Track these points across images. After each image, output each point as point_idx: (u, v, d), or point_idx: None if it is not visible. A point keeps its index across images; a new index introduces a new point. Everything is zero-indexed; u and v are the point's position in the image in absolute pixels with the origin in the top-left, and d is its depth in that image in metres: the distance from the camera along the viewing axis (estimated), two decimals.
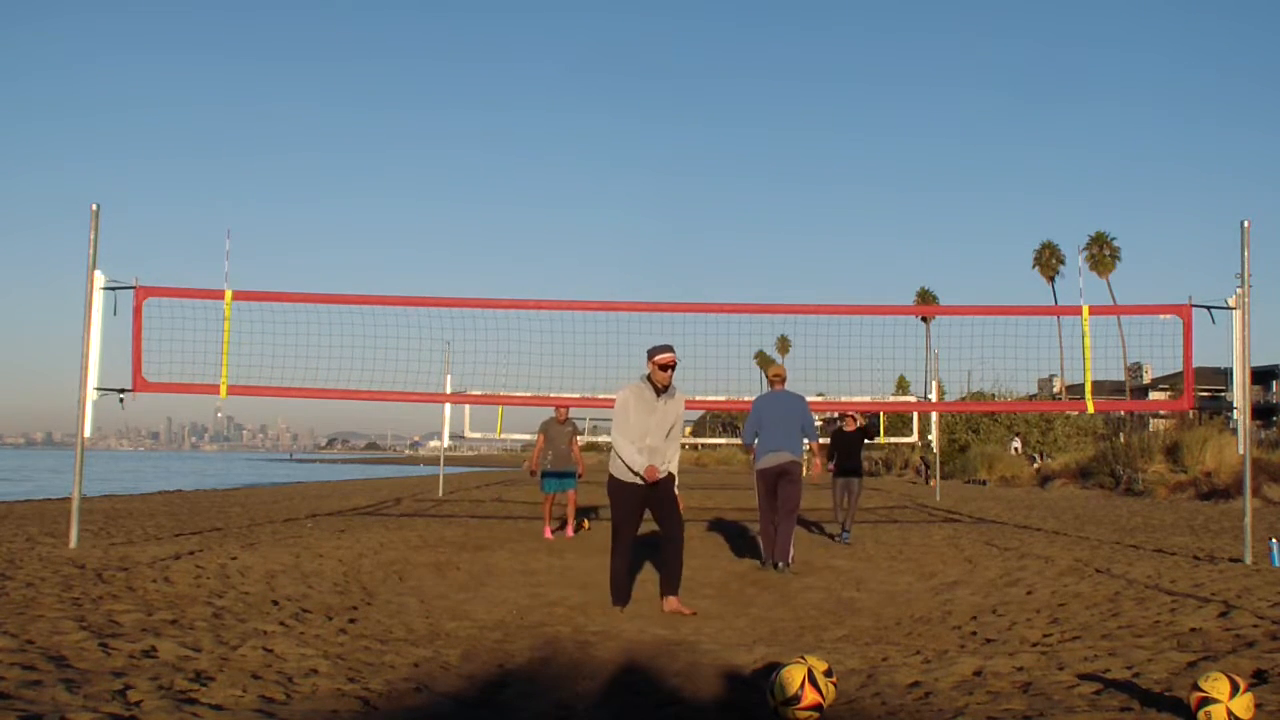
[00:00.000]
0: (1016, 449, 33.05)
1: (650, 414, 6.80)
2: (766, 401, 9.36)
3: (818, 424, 12.67)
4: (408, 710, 4.02)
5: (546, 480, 12.27)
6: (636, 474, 6.84)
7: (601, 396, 11.24)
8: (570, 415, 12.57)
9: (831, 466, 12.57)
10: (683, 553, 6.98)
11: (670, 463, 6.96)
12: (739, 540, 12.05)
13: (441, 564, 9.14)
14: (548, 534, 12.02)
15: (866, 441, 13.75)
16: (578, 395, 12.21)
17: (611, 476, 7.00)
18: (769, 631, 6.19)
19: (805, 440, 9.29)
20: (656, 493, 6.92)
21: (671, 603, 6.85)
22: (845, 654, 5.16)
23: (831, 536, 12.44)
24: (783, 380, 9.54)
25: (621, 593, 7.03)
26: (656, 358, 6.82)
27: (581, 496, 13.63)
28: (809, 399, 10.03)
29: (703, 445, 79.80)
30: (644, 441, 6.81)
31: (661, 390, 6.82)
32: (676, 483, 7.18)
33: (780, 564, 8.97)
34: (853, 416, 12.66)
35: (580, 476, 12.53)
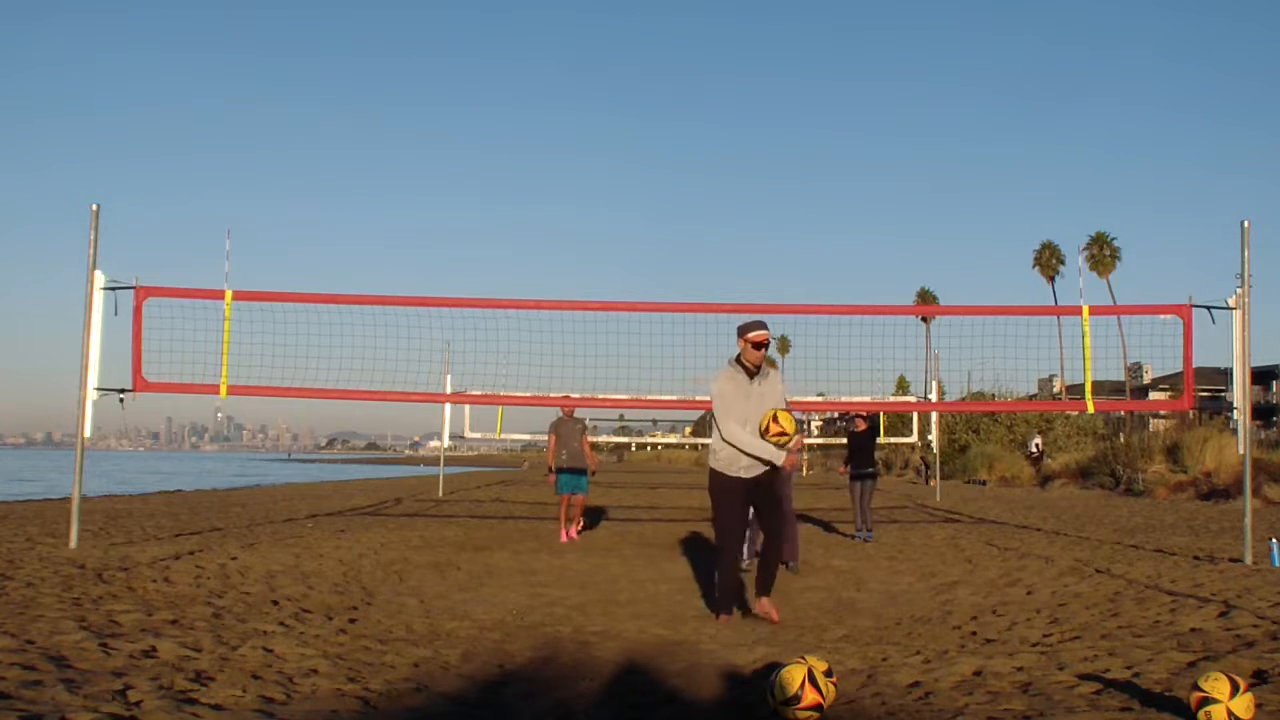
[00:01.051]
0: (1038, 445, 32.95)
1: (745, 399, 6.15)
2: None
3: (818, 423, 12.67)
4: (408, 710, 4.02)
5: (561, 479, 12.18)
6: (765, 460, 6.19)
7: (602, 397, 11.24)
8: (575, 412, 12.55)
9: (844, 470, 12.67)
10: (782, 554, 6.53)
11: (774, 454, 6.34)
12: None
13: (441, 564, 9.14)
14: (564, 537, 11.78)
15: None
16: (578, 395, 12.21)
17: (713, 471, 6.36)
18: (769, 631, 6.19)
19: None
20: (762, 487, 6.31)
21: (763, 604, 6.39)
22: (845, 654, 5.16)
23: (849, 536, 12.50)
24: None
25: (731, 600, 6.44)
26: (749, 335, 6.15)
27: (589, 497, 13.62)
28: (809, 399, 10.03)
29: (703, 445, 79.85)
30: (744, 429, 6.20)
31: (755, 372, 6.20)
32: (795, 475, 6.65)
33: (789, 564, 8.98)
34: (861, 416, 12.68)
35: (593, 474, 12.49)
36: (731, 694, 4.45)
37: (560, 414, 12.36)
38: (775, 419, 6.05)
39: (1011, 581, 7.87)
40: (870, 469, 12.47)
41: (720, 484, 6.32)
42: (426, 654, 5.15)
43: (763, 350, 6.14)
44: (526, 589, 7.89)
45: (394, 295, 10.88)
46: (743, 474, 6.22)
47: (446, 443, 24.28)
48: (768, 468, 6.23)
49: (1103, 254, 58.63)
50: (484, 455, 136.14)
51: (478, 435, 28.11)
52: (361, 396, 10.90)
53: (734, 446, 6.20)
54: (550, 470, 12.27)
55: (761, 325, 6.15)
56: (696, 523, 14.99)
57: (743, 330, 6.20)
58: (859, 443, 12.56)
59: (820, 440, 43.77)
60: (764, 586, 6.42)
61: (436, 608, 6.89)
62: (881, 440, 36.15)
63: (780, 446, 6.13)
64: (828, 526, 14.33)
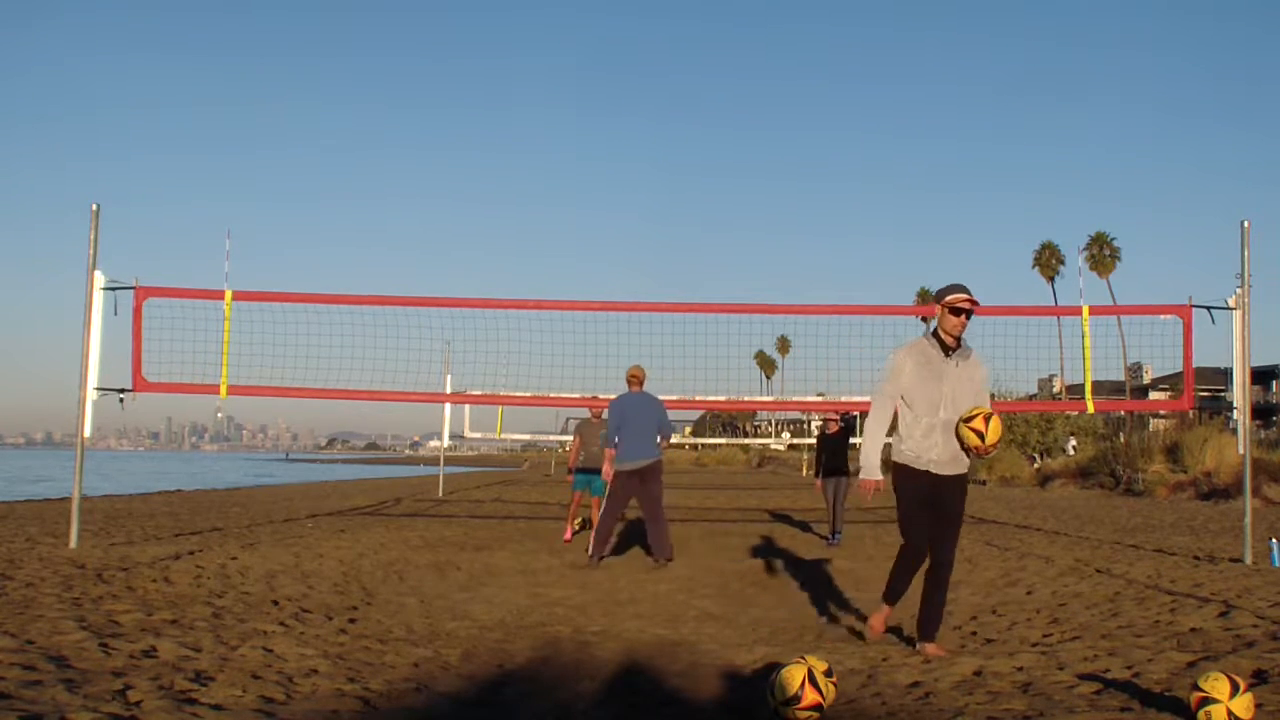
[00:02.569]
0: (1074, 447, 32.91)
1: (939, 380, 5.11)
2: (626, 403, 9.48)
3: (817, 423, 12.70)
4: (408, 710, 4.02)
5: (578, 477, 12.14)
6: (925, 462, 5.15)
7: (603, 397, 11.24)
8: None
9: (817, 480, 12.27)
10: (948, 582, 5.30)
11: (963, 452, 5.17)
12: (739, 540, 12.05)
13: (441, 564, 9.14)
14: (568, 536, 11.73)
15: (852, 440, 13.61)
16: (578, 395, 12.21)
17: (898, 464, 5.29)
18: (769, 631, 6.19)
19: (659, 438, 9.45)
20: (943, 492, 5.19)
21: (929, 649, 5.15)
22: (845, 654, 5.16)
23: (822, 537, 12.40)
24: (640, 382, 9.60)
25: (897, 598, 5.43)
26: (948, 297, 5.12)
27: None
28: (810, 399, 10.07)
29: (703, 445, 79.88)
30: (936, 416, 5.11)
31: (953, 347, 5.17)
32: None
33: (662, 559, 9.16)
34: (834, 419, 12.48)
35: (606, 481, 12.44)
36: (731, 694, 4.45)
37: (589, 415, 12.30)
38: (986, 422, 4.96)
39: (1011, 581, 7.87)
40: (837, 466, 12.15)
41: (906, 479, 5.24)
42: (426, 654, 5.15)
43: (965, 318, 5.10)
44: (526, 589, 7.89)
45: (394, 295, 10.90)
46: (931, 469, 5.16)
47: (446, 443, 24.29)
48: (960, 470, 5.21)
49: (1103, 254, 58.67)
50: (484, 455, 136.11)
51: (478, 435, 28.14)
52: (361, 396, 10.91)
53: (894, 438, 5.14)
54: (570, 469, 12.23)
55: (962, 288, 5.13)
56: (696, 523, 14.99)
57: (940, 294, 5.16)
58: (831, 444, 12.30)
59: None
60: (930, 627, 5.25)
61: (436, 608, 6.89)
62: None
63: (966, 452, 5.11)
64: (806, 527, 14.32)
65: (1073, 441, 33.38)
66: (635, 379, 9.57)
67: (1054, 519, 15.51)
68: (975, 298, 5.15)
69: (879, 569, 9.11)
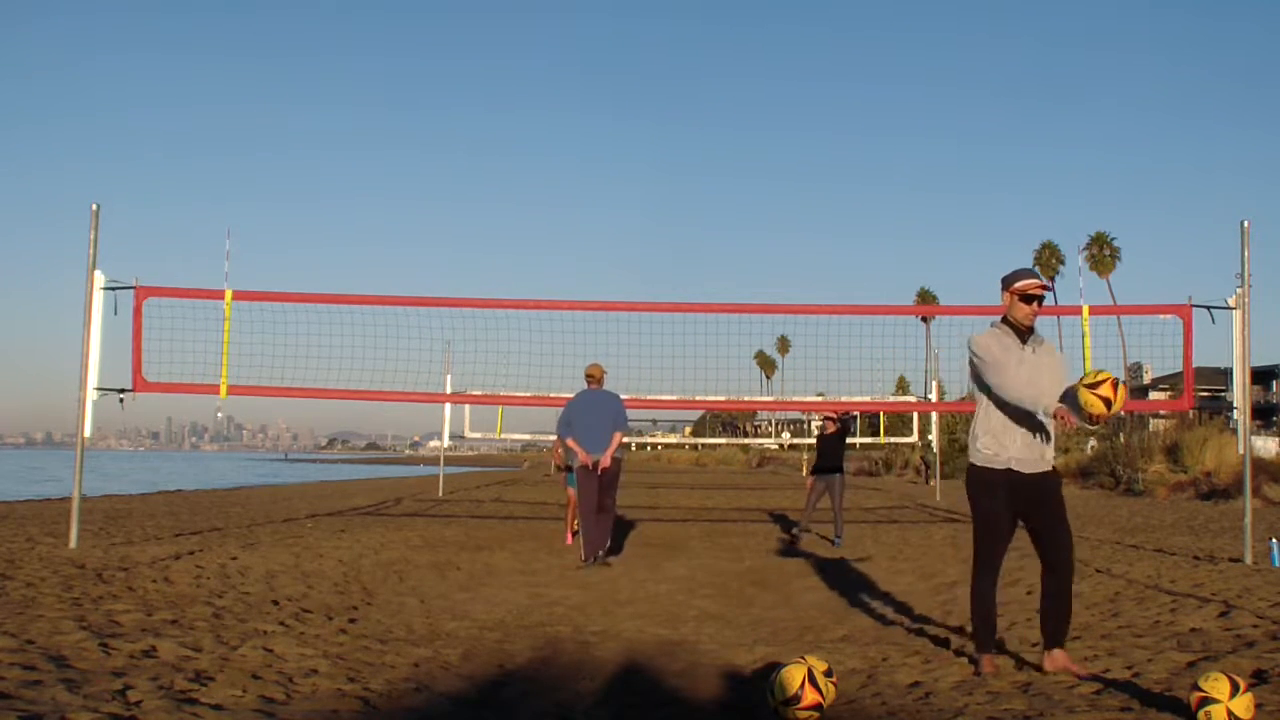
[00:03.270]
0: (1093, 447, 32.90)
1: (1019, 367, 4.71)
2: (580, 400, 9.52)
3: (817, 422, 12.68)
4: (408, 710, 4.02)
5: (570, 475, 12.04)
6: (1035, 418, 4.66)
7: None
8: None
9: (809, 477, 12.14)
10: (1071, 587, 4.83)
11: (1049, 445, 4.78)
12: (739, 540, 12.05)
13: (441, 564, 9.14)
14: (569, 539, 11.50)
15: (848, 440, 13.51)
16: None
17: (973, 466, 4.84)
18: (769, 631, 6.19)
19: (615, 432, 9.43)
20: (1038, 491, 4.72)
21: (1057, 658, 4.65)
22: (845, 654, 5.16)
23: (823, 537, 12.37)
24: (598, 380, 9.63)
25: (988, 634, 4.82)
26: (1016, 285, 4.77)
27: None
28: (810, 399, 10.06)
29: (703, 445, 79.89)
30: (1019, 409, 4.68)
31: (1027, 334, 4.79)
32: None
33: (603, 555, 9.22)
34: (831, 418, 12.35)
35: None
36: (731, 694, 4.46)
37: None
38: (1115, 388, 4.45)
39: (1011, 581, 7.86)
40: (832, 465, 12.05)
41: (981, 482, 4.79)
42: (426, 654, 5.15)
43: (1034, 305, 4.76)
44: (526, 589, 7.89)
45: (394, 295, 10.91)
46: (1014, 467, 4.70)
47: (446, 443, 24.29)
48: (1046, 467, 4.76)
49: (1103, 254, 58.73)
50: (484, 455, 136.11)
51: (478, 435, 28.12)
52: (361, 396, 10.92)
53: (1008, 416, 4.69)
54: (558, 468, 12.20)
55: (1032, 274, 4.84)
56: (696, 523, 15.00)
57: (1008, 281, 4.82)
58: (828, 444, 12.19)
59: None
60: (1057, 634, 4.71)
61: (436, 608, 6.89)
62: (881, 440, 36.27)
63: (1087, 420, 4.54)
64: (800, 528, 14.32)
65: (1092, 442, 33.35)
66: (593, 376, 9.62)
67: None
68: (1045, 282, 4.83)
69: (879, 568, 9.12)
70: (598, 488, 9.37)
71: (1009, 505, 4.71)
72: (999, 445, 4.73)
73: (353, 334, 10.78)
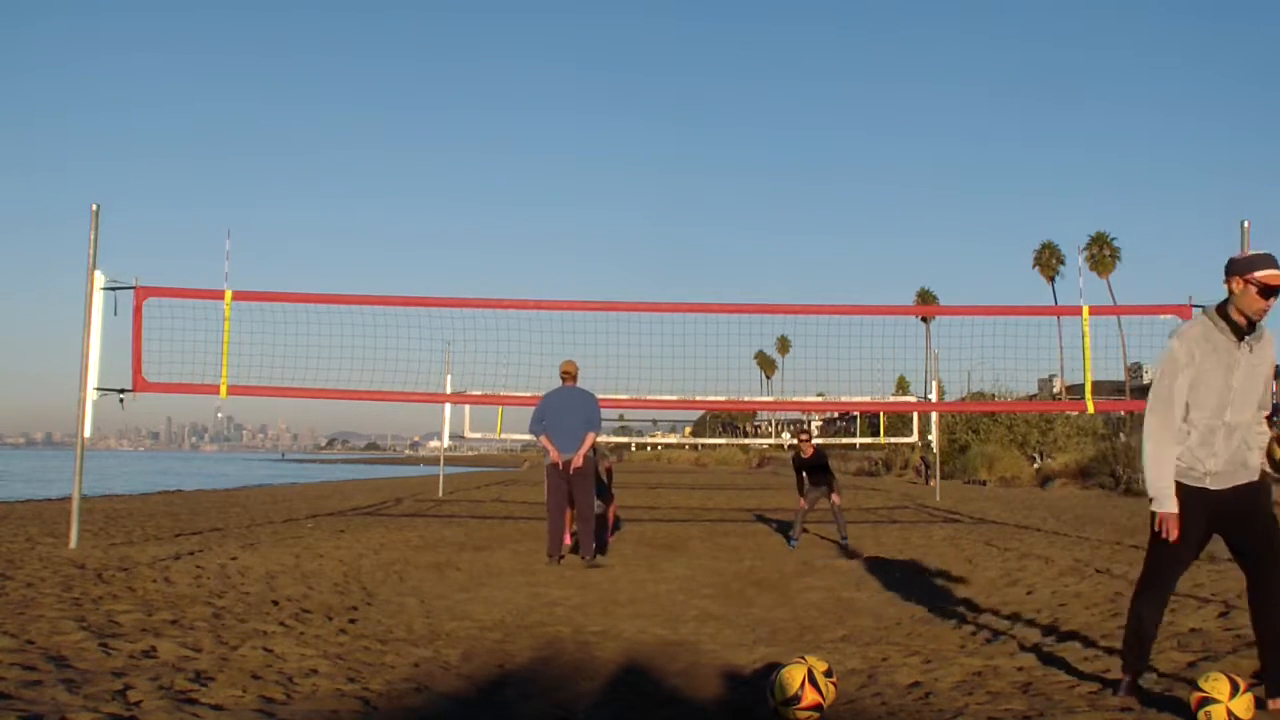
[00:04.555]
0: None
1: (1230, 371, 3.93)
2: (552, 398, 9.53)
3: (818, 422, 12.69)
4: (408, 710, 4.02)
5: None
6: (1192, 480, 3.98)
7: (602, 397, 11.23)
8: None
9: (801, 499, 11.61)
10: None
11: (1253, 451, 4.02)
12: (739, 540, 12.05)
13: (441, 564, 9.14)
14: (567, 539, 11.63)
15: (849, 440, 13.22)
16: None
17: None
18: (769, 631, 6.19)
19: (588, 431, 9.38)
20: (1231, 507, 3.98)
21: None
22: (845, 654, 5.16)
23: (823, 538, 12.32)
24: (573, 377, 9.62)
25: (1140, 656, 4.20)
26: (1255, 273, 3.83)
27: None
28: (810, 399, 10.06)
29: (703, 445, 79.86)
30: (1221, 418, 3.94)
31: (1248, 330, 3.92)
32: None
33: (587, 558, 9.21)
34: (806, 436, 11.76)
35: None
36: (731, 694, 4.46)
37: None
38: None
39: (1011, 581, 7.87)
40: (820, 479, 11.52)
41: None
42: (426, 654, 5.15)
43: (1272, 300, 3.86)
44: (526, 589, 7.89)
45: (394, 295, 10.92)
46: (1208, 484, 3.98)
47: (446, 443, 24.29)
48: (1251, 477, 4.00)
49: (1103, 254, 58.69)
50: (484, 455, 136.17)
51: (478, 435, 28.12)
52: (361, 396, 10.92)
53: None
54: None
55: (1274, 260, 3.85)
56: (696, 523, 15.00)
57: (1242, 267, 3.88)
58: (810, 471, 11.55)
59: (820, 441, 43.85)
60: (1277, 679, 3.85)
61: (436, 608, 6.89)
62: (881, 440, 36.25)
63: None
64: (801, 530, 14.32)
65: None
66: (568, 374, 9.60)
67: (1054, 519, 15.51)
68: None
69: (878, 568, 9.12)
70: (567, 488, 9.36)
71: (1202, 527, 4.03)
72: (1194, 459, 4.02)
73: (353, 334, 10.80)
